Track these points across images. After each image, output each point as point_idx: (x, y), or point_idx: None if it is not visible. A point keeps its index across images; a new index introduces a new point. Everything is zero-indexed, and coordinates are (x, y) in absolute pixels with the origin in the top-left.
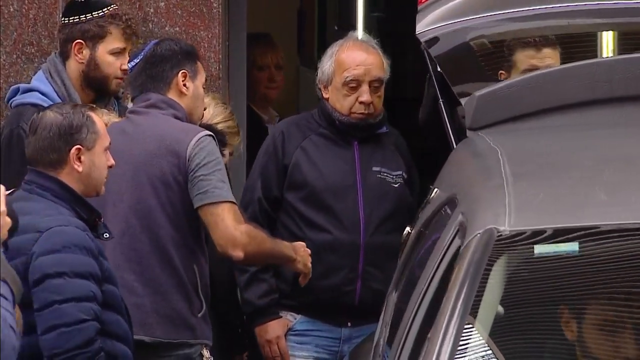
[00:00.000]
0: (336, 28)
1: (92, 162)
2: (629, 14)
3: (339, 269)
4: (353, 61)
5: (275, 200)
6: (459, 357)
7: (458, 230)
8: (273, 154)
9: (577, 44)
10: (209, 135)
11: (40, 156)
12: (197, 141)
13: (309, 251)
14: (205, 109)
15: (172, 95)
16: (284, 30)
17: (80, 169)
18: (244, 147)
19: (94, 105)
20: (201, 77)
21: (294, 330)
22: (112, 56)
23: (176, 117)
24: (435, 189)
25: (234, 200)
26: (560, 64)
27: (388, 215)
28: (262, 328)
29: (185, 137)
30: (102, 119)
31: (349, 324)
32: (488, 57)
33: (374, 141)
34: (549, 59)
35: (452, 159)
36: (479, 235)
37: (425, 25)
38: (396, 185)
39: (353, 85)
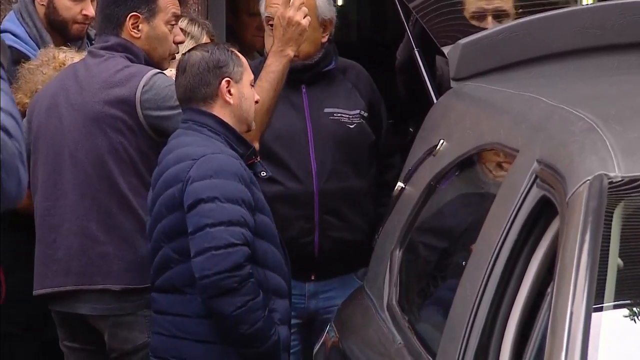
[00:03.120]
0: None
1: (242, 94)
2: None
3: (294, 220)
4: None
5: None
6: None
7: (536, 179)
8: None
9: None
10: (157, 73)
11: (192, 93)
12: (144, 85)
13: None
14: (182, 42)
15: (126, 36)
16: None
17: (231, 101)
18: None
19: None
20: (163, 16)
21: None
22: (70, 1)
23: (131, 61)
24: (441, 141)
25: None
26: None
27: (343, 159)
28: None
29: (132, 82)
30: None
31: (313, 277)
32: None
33: (325, 81)
34: (497, 1)
35: (452, 109)
36: (588, 182)
37: None
38: (352, 126)
39: (271, 23)
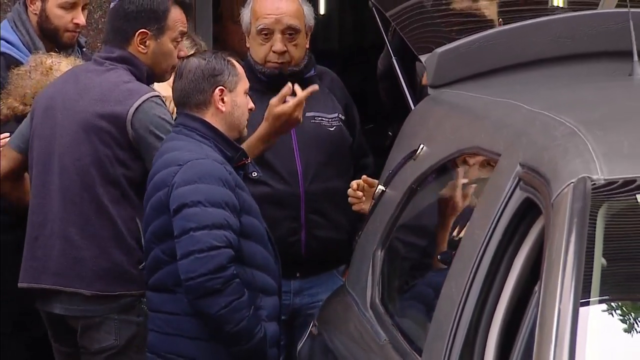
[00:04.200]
0: None
1: (235, 103)
2: None
3: (281, 220)
4: (265, 10)
5: None
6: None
7: (519, 181)
8: None
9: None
10: (156, 96)
11: (186, 98)
12: (140, 104)
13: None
14: (185, 57)
15: (132, 50)
16: None
17: (223, 109)
18: None
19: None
20: (171, 33)
21: None
22: (61, 10)
23: (133, 74)
24: (422, 146)
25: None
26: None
27: (326, 161)
28: None
29: (128, 100)
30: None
31: (298, 274)
32: (442, 14)
33: (306, 87)
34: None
35: (431, 115)
36: (572, 184)
37: None
38: (332, 129)
39: (265, 34)
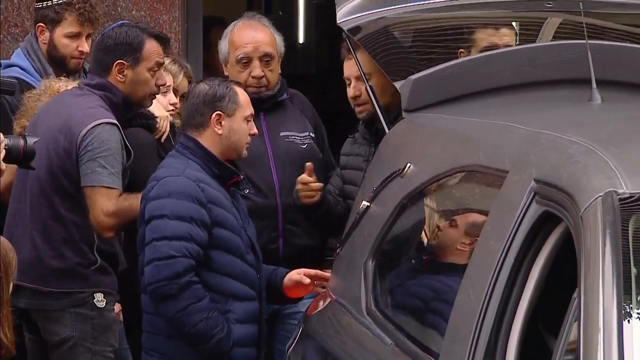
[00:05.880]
0: (280, 13)
1: (232, 127)
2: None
3: (262, 230)
4: (243, 40)
5: None
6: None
7: (534, 196)
8: None
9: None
10: (110, 123)
11: (188, 119)
12: (92, 127)
13: None
14: (163, 85)
15: (111, 79)
16: (233, 14)
17: (220, 132)
18: None
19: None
20: (146, 63)
21: None
22: (67, 39)
23: (110, 100)
24: (408, 164)
25: (112, 186)
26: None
27: (299, 176)
28: None
29: (86, 121)
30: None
31: None
32: (415, 44)
33: (279, 109)
34: (507, 37)
35: (415, 136)
36: (600, 198)
37: (345, 14)
38: (304, 147)
39: (245, 62)
